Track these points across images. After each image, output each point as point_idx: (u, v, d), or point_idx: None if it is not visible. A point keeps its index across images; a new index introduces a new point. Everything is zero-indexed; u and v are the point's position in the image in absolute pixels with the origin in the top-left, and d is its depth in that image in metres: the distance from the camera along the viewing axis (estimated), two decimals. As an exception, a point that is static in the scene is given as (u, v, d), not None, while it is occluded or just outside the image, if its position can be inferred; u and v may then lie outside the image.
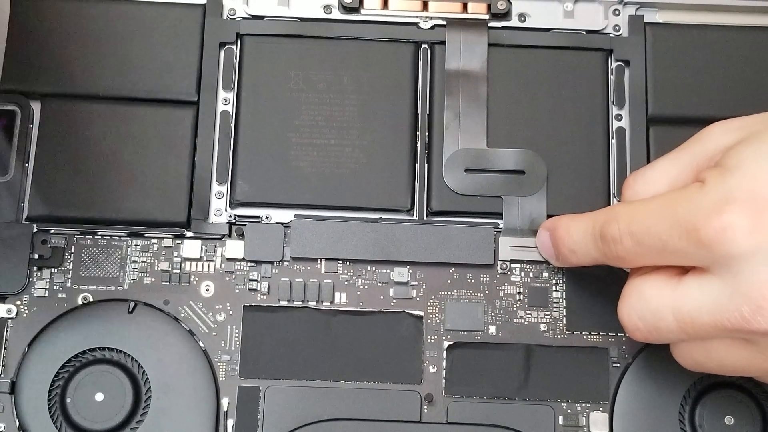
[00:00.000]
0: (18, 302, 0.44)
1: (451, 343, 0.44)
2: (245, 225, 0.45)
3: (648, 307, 0.37)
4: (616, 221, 0.37)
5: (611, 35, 0.47)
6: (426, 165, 0.46)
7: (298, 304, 0.44)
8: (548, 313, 0.44)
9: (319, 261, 0.45)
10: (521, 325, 0.44)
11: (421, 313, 0.44)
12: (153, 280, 0.44)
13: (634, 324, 0.38)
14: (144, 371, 0.43)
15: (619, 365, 0.44)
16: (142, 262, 0.44)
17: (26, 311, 0.44)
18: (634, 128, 0.46)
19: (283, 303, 0.44)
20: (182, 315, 0.44)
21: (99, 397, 0.42)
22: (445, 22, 0.47)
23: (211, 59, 0.46)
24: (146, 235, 0.44)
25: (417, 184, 0.45)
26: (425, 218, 0.45)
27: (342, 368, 0.43)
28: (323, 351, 0.43)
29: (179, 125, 0.45)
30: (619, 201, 0.44)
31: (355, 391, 0.43)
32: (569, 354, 0.44)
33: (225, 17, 0.47)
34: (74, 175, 0.44)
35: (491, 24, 0.47)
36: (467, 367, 0.43)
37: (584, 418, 0.43)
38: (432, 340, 0.44)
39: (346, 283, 0.44)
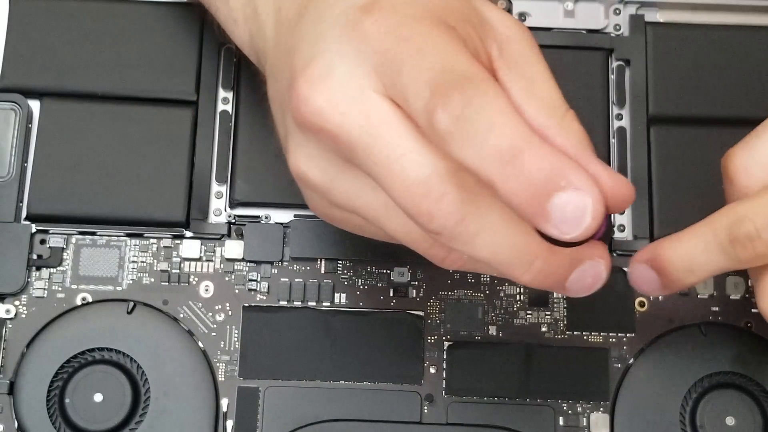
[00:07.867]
0: (17, 302, 0.43)
1: (452, 343, 0.44)
2: (245, 225, 0.44)
3: None
4: (747, 220, 0.34)
5: (612, 34, 0.47)
6: (426, 165, 0.45)
7: (297, 304, 0.44)
8: (549, 313, 0.44)
9: (318, 261, 0.44)
10: (522, 326, 0.44)
11: (421, 313, 0.44)
12: (152, 280, 0.44)
13: None
14: (143, 372, 0.43)
15: (619, 365, 0.44)
16: (141, 262, 0.44)
17: (25, 311, 0.43)
18: (635, 128, 0.46)
19: (283, 303, 0.44)
20: (181, 315, 0.44)
21: (98, 397, 0.42)
22: (445, 22, 0.47)
23: (210, 59, 0.46)
24: (145, 235, 0.44)
25: (417, 184, 0.45)
26: (425, 218, 0.45)
27: (342, 368, 0.43)
28: (323, 351, 0.43)
29: (178, 125, 0.45)
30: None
31: (355, 391, 0.43)
32: (570, 354, 0.44)
33: (224, 17, 0.47)
34: (73, 175, 0.44)
35: (491, 23, 0.47)
36: (467, 367, 0.43)
37: (585, 419, 0.43)
38: (432, 340, 0.44)
39: (346, 283, 0.44)
